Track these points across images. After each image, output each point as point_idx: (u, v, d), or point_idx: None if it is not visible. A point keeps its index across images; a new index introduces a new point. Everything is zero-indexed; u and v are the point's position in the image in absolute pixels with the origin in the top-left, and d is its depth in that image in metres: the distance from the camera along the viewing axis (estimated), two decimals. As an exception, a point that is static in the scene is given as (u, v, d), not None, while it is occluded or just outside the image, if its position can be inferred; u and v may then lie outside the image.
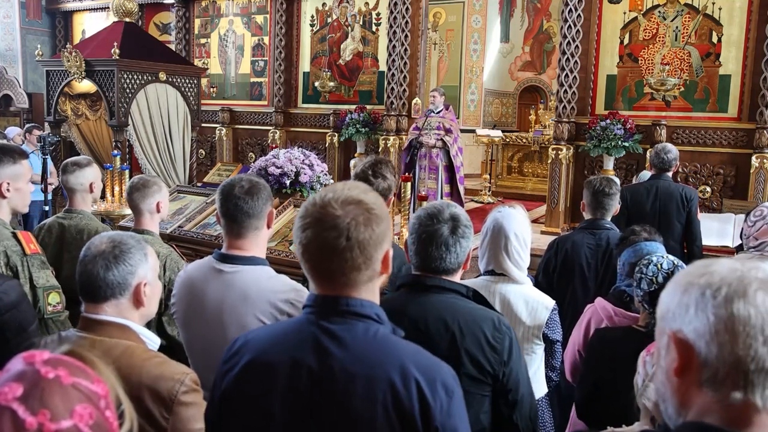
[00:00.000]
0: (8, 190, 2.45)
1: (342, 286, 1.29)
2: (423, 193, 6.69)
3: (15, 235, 2.44)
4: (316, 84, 8.95)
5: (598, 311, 2.66)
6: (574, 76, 6.81)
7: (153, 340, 1.75)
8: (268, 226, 2.14)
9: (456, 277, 1.92)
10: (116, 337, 1.63)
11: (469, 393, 1.68)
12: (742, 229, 3.12)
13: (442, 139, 7.19)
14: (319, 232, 1.25)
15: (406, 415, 1.22)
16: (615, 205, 3.58)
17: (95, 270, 1.62)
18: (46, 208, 5.53)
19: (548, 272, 3.59)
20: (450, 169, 7.25)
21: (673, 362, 0.93)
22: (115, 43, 6.70)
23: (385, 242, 1.29)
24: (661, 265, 2.24)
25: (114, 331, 1.64)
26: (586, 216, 3.62)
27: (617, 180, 3.91)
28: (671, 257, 2.32)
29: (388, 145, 8.05)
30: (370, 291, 1.32)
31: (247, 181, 2.09)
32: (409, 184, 4.26)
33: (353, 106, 8.48)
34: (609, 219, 3.59)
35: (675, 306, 0.94)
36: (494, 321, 1.84)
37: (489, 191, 10.17)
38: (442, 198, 7.17)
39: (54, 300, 2.43)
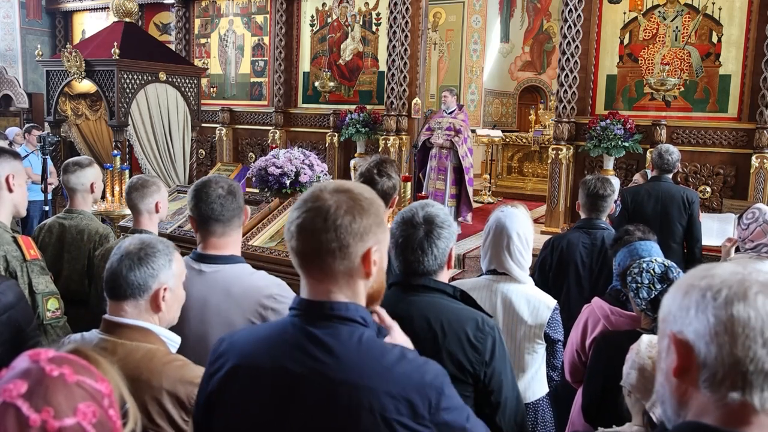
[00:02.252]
0: (13, 184, 2.45)
1: (319, 275, 1.27)
2: (424, 193, 6.69)
3: (15, 240, 2.43)
4: (316, 84, 8.96)
5: (595, 311, 2.66)
6: (574, 76, 6.81)
7: (173, 340, 1.77)
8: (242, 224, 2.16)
9: (441, 277, 1.91)
10: (137, 340, 1.66)
11: None
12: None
13: (450, 140, 7.19)
14: (304, 217, 1.26)
15: (391, 421, 1.19)
16: (610, 205, 3.61)
17: (120, 268, 1.67)
18: (46, 208, 5.53)
19: (544, 271, 3.61)
20: (458, 170, 7.24)
21: (672, 363, 0.95)
22: (115, 43, 6.70)
23: (367, 238, 1.26)
24: (653, 269, 2.25)
25: (135, 334, 1.67)
26: (582, 215, 3.65)
27: (613, 180, 3.91)
28: (660, 259, 2.33)
29: (388, 145, 8.05)
30: (352, 290, 1.29)
31: (224, 181, 2.11)
32: (409, 184, 4.26)
33: (353, 106, 8.49)
34: (604, 219, 3.62)
35: (676, 308, 0.96)
36: (477, 321, 1.83)
37: (489, 191, 10.19)
38: (447, 200, 7.18)
39: (53, 306, 2.43)
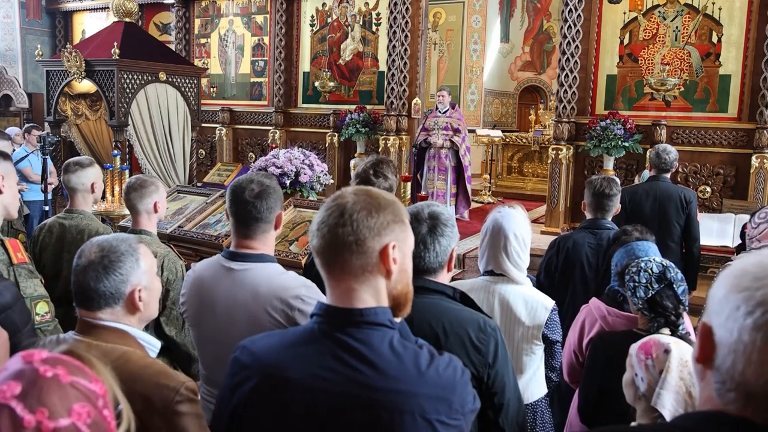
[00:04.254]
0: (3, 185, 2.41)
1: (339, 273, 1.27)
2: (423, 193, 6.70)
3: (2, 243, 2.38)
4: (316, 84, 8.96)
5: (593, 311, 2.66)
6: (574, 76, 6.81)
7: (153, 344, 1.71)
8: (276, 227, 2.14)
9: (441, 278, 1.89)
10: (113, 342, 1.59)
11: None
12: (743, 228, 3.13)
13: (450, 140, 7.17)
14: (324, 215, 1.29)
15: (432, 421, 1.23)
16: (616, 205, 3.60)
17: (87, 281, 1.58)
18: (46, 208, 5.53)
19: (550, 271, 3.60)
20: (457, 170, 7.23)
21: (697, 349, 0.95)
22: (115, 43, 6.70)
23: (384, 233, 1.27)
24: (651, 269, 2.25)
25: (111, 336, 1.60)
26: (587, 215, 3.64)
27: (618, 180, 3.91)
28: (658, 259, 2.32)
29: (388, 145, 8.05)
30: (373, 288, 1.29)
31: (258, 184, 2.07)
32: (408, 184, 4.27)
33: (353, 106, 8.49)
34: (610, 219, 3.61)
35: (716, 302, 0.93)
36: (479, 323, 1.81)
37: (489, 191, 10.18)
38: (449, 199, 7.19)
39: (42, 309, 2.38)
